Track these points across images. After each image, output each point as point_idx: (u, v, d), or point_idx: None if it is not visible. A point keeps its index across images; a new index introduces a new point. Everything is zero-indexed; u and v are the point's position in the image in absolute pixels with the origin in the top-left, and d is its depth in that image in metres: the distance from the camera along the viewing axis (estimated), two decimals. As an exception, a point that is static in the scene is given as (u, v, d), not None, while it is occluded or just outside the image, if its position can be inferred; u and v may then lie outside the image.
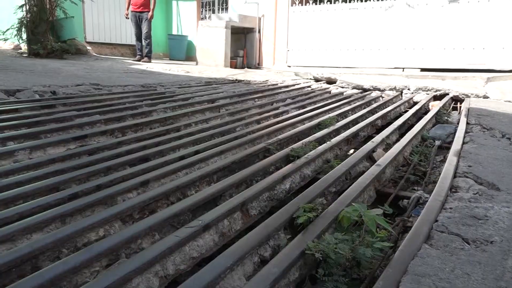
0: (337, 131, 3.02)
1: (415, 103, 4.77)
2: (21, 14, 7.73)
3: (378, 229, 1.34)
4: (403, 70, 7.52)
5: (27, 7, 7.66)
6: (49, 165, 1.92)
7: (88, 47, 9.51)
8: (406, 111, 4.20)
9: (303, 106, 4.14)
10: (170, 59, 11.21)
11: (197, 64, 9.57)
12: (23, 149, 2.06)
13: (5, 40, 9.06)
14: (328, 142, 2.59)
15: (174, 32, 12.16)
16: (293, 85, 6.07)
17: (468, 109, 3.92)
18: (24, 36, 7.91)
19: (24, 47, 8.14)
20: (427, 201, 1.71)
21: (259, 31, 9.75)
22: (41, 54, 7.60)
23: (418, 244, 1.26)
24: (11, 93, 3.55)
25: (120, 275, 1.04)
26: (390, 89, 5.60)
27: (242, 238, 1.29)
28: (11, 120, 2.53)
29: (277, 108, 3.88)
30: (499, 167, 2.11)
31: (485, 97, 5.01)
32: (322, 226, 1.39)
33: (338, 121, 3.36)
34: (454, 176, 1.96)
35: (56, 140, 2.24)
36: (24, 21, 7.72)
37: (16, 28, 7.86)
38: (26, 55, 7.73)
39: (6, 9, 8.79)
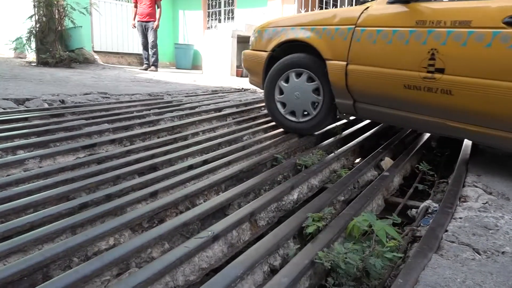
0: (344, 140, 3.02)
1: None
2: (30, 24, 7.84)
3: (387, 238, 1.34)
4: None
5: (37, 17, 7.77)
6: (59, 174, 1.94)
7: (96, 56, 9.61)
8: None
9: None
10: (177, 68, 11.30)
11: (203, 72, 9.64)
12: (33, 158, 2.08)
13: (15, 49, 9.17)
14: (335, 152, 2.59)
15: (181, 41, 12.26)
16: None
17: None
18: (33, 45, 8.01)
19: (32, 56, 8.23)
20: (436, 210, 1.70)
21: (265, 40, 9.80)
22: (49, 63, 7.68)
23: (428, 254, 1.26)
24: (21, 102, 3.59)
25: (130, 286, 1.05)
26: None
27: (251, 247, 1.29)
28: (21, 129, 2.56)
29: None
30: (509, 176, 2.10)
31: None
32: (331, 236, 1.39)
33: (344, 129, 3.36)
34: (463, 185, 1.95)
35: (65, 148, 2.26)
36: (34, 31, 7.82)
37: (26, 38, 7.97)
38: (35, 64, 7.82)
39: (14, 19, 8.93)
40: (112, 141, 2.53)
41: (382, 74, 2.29)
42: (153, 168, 2.11)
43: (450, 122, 2.14)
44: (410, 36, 2.15)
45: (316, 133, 3.00)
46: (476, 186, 1.92)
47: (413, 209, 1.91)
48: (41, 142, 2.34)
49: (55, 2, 7.87)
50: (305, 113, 2.86)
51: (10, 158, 2.04)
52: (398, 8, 2.27)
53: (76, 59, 8.42)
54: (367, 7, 2.45)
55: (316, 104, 2.79)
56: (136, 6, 8.52)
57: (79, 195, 1.71)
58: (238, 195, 1.79)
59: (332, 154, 2.53)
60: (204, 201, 1.79)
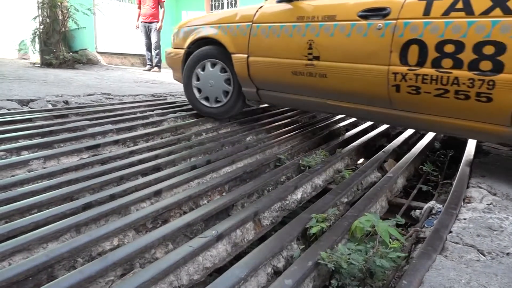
0: (348, 141, 3.01)
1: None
2: (34, 25, 7.87)
3: (391, 240, 1.34)
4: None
5: (40, 18, 7.80)
6: (63, 174, 1.94)
7: (99, 57, 9.63)
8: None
9: (314, 116, 4.14)
10: (180, 69, 11.30)
11: (206, 73, 9.63)
12: (37, 159, 2.08)
13: (19, 51, 9.22)
14: (339, 152, 2.59)
15: (184, 42, 12.28)
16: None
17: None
18: (37, 46, 8.04)
19: (36, 57, 8.26)
20: (440, 211, 1.70)
21: (268, 41, 9.80)
22: (53, 64, 7.71)
23: (433, 255, 1.25)
24: (25, 103, 3.61)
25: (135, 285, 1.05)
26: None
27: (255, 249, 1.29)
28: (25, 130, 2.57)
29: (287, 117, 3.89)
30: (513, 177, 2.09)
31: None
32: (335, 237, 1.39)
33: (348, 130, 3.36)
34: (467, 186, 1.94)
35: (69, 149, 2.27)
36: (38, 32, 7.86)
37: (30, 39, 8.00)
38: (39, 65, 7.84)
39: (18, 20, 8.97)
40: (115, 142, 2.53)
41: (275, 63, 2.65)
42: (157, 168, 2.11)
43: (328, 101, 2.49)
44: (293, 30, 2.51)
45: (227, 116, 3.30)
46: (480, 187, 1.91)
47: (417, 210, 1.90)
48: (45, 143, 2.35)
49: (59, 4, 7.90)
50: (217, 99, 3.19)
51: (14, 158, 2.05)
52: (284, 6, 2.61)
53: (79, 60, 8.45)
54: (261, 6, 2.79)
55: (227, 92, 3.12)
56: (140, 8, 8.54)
57: (83, 195, 1.71)
58: (241, 196, 1.80)
59: (336, 154, 2.53)
60: (208, 202, 1.79)
